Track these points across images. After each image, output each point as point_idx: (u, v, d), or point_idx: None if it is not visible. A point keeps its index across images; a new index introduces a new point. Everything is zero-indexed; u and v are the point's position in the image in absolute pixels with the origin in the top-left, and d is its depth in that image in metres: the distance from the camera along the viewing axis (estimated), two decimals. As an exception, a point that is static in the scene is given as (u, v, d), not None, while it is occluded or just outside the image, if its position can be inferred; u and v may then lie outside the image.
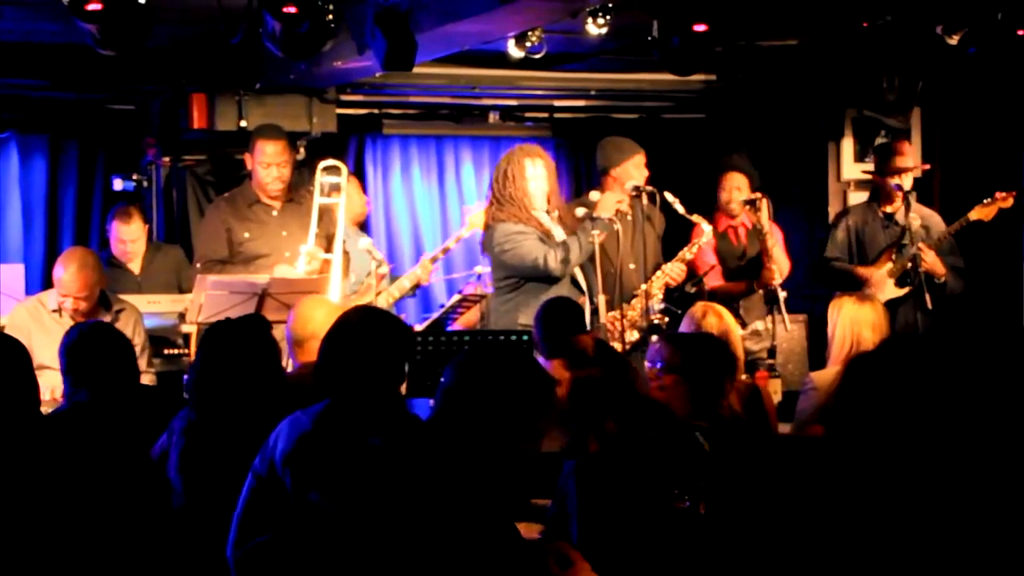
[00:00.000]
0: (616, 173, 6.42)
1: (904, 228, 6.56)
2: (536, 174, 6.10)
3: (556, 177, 6.30)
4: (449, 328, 6.55)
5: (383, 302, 6.70)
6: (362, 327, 3.39)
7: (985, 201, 6.52)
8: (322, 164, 6.42)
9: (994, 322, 7.11)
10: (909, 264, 6.47)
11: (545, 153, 6.29)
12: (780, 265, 6.58)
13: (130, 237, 6.88)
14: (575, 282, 6.20)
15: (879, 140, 7.69)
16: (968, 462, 1.93)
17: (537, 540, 2.69)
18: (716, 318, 4.89)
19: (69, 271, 5.63)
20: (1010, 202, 6.49)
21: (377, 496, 2.41)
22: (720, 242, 6.86)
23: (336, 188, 6.40)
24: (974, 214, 6.52)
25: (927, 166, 7.32)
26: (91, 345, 4.26)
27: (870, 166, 7.51)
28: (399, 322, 3.65)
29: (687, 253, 6.44)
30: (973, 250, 6.76)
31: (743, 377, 5.00)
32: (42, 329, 5.67)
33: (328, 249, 6.31)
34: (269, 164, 6.35)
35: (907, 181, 6.72)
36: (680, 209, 6.33)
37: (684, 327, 5.01)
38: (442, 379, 2.58)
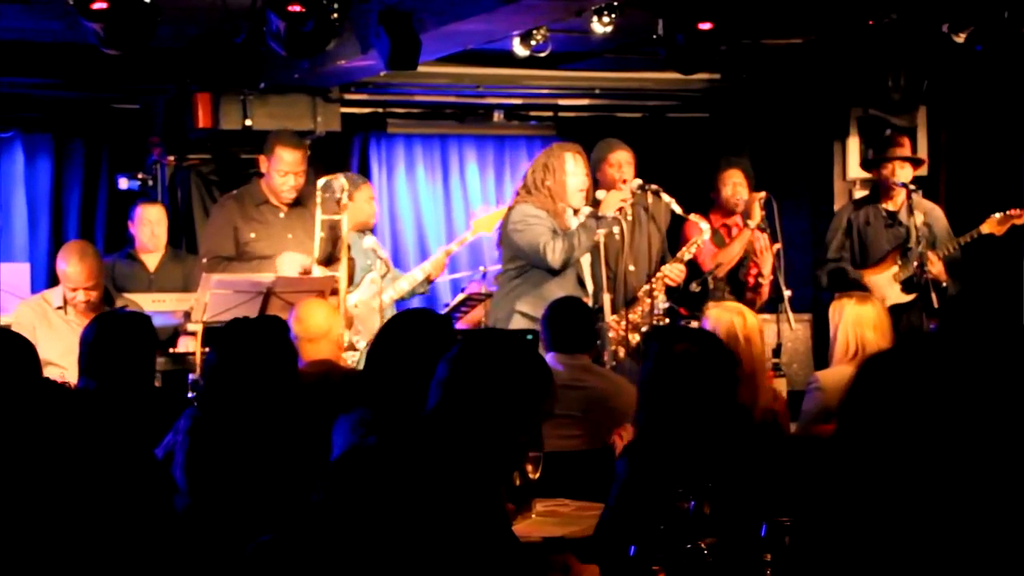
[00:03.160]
0: (599, 176, 6.45)
1: (908, 229, 6.53)
2: (576, 170, 6.13)
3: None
4: (454, 327, 6.55)
5: (388, 299, 6.71)
6: (421, 331, 3.36)
7: (998, 216, 6.46)
8: (320, 182, 6.29)
9: (997, 322, 7.09)
10: (916, 264, 6.44)
11: (583, 151, 6.29)
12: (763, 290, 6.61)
13: (156, 218, 6.88)
14: (581, 282, 6.20)
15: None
16: (987, 464, 1.92)
17: (540, 544, 2.68)
18: (740, 319, 4.79)
19: (72, 263, 5.64)
20: None
21: (370, 495, 2.40)
22: (714, 240, 6.84)
23: (337, 204, 6.30)
24: (986, 227, 6.46)
25: (924, 160, 7.25)
26: (107, 334, 4.25)
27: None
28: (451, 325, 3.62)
29: (686, 253, 6.44)
30: (974, 250, 6.73)
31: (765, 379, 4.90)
32: (47, 326, 5.68)
33: (335, 254, 6.30)
34: (286, 172, 6.35)
35: (906, 174, 6.67)
36: (677, 209, 6.33)
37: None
38: (437, 373, 2.57)
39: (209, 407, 3.75)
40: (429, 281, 6.86)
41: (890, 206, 6.73)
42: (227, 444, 3.65)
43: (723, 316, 4.64)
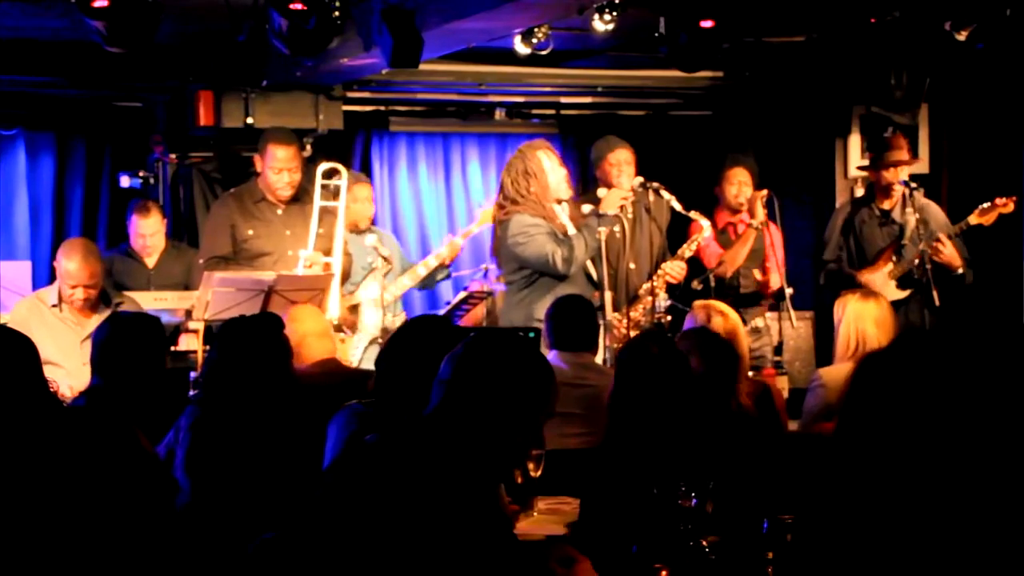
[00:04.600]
0: (599, 174, 6.43)
1: (901, 226, 6.55)
2: (553, 166, 6.13)
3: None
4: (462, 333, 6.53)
5: (391, 295, 6.72)
6: (429, 336, 3.36)
7: (984, 206, 6.47)
8: (322, 167, 6.39)
9: (998, 320, 7.09)
10: (916, 262, 6.45)
11: (550, 144, 6.30)
12: (771, 279, 6.61)
13: (148, 231, 6.88)
14: (590, 279, 6.19)
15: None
16: (985, 460, 1.92)
17: (540, 540, 2.68)
18: (721, 318, 4.87)
19: (75, 261, 5.64)
20: (1011, 207, 6.44)
21: (371, 493, 2.40)
22: (720, 239, 6.85)
23: (336, 191, 6.37)
24: (974, 218, 6.47)
25: (918, 160, 7.26)
26: (118, 335, 4.25)
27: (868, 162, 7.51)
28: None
29: (687, 251, 6.44)
30: (973, 248, 6.73)
31: (750, 374, 4.98)
32: (43, 324, 5.68)
33: (330, 250, 6.31)
34: (280, 169, 6.36)
35: (903, 173, 6.69)
36: (677, 206, 6.33)
37: (688, 327, 4.98)
38: (439, 372, 2.57)
39: (208, 405, 3.76)
40: (445, 266, 6.92)
41: (885, 204, 6.75)
42: (228, 442, 3.66)
43: (701, 317, 4.72)
